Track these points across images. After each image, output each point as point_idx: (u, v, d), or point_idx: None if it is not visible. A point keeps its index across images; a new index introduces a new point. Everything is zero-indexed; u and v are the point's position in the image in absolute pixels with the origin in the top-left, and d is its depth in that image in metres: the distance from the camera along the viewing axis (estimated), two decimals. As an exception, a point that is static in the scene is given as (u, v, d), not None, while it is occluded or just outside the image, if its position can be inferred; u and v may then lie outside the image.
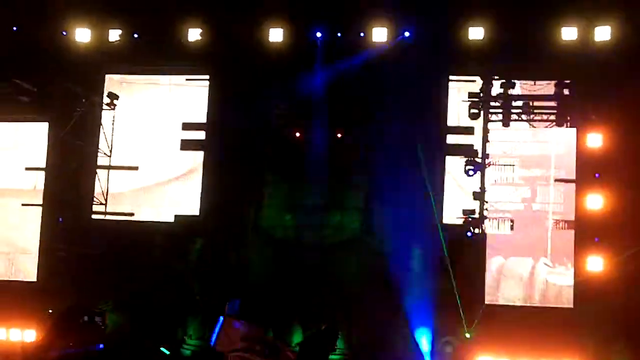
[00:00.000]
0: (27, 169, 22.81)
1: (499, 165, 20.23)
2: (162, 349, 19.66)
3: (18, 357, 18.46)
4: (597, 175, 19.14)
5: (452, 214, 20.11)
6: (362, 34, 20.95)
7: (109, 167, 22.37)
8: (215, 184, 21.62)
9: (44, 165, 22.56)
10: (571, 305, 19.35)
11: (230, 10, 21.28)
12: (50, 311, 20.66)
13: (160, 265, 21.20)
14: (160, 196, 22.35)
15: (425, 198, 20.05)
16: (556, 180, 20.08)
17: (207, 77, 22.15)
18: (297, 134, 21.14)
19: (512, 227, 19.94)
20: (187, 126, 22.17)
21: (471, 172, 19.76)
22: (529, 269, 19.96)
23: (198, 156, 22.13)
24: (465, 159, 19.90)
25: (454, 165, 20.53)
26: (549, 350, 18.36)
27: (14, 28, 22.16)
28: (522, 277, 20.03)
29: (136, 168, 22.39)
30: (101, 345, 19.81)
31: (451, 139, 20.69)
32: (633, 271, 18.60)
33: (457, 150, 20.34)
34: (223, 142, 21.68)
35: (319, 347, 16.79)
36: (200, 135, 22.03)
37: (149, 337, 20.31)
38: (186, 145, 22.16)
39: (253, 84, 21.34)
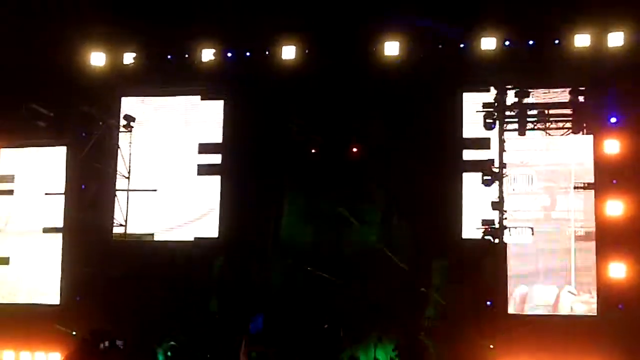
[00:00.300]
0: (46, 194, 22.88)
1: (516, 174, 20.08)
2: None
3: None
4: (614, 181, 19.01)
5: (472, 225, 19.92)
6: (374, 49, 20.88)
7: (127, 190, 22.40)
8: (234, 203, 21.70)
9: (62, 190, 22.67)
10: (595, 313, 19.14)
11: (243, 29, 21.31)
12: (74, 333, 20.74)
13: (182, 285, 21.14)
14: (179, 218, 22.29)
15: (443, 211, 20.03)
16: (575, 187, 19.95)
17: (223, 96, 22.19)
18: (314, 150, 21.10)
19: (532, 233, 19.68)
20: (203, 148, 22.24)
21: (488, 182, 19.61)
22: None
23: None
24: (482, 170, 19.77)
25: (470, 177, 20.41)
26: (572, 358, 18.20)
27: (30, 53, 22.25)
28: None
29: (155, 190, 22.42)
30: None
31: (468, 154, 20.66)
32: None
33: (475, 165, 20.17)
34: (240, 161, 21.72)
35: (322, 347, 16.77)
36: (217, 158, 22.08)
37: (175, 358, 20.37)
38: (203, 170, 22.20)
39: (269, 100, 21.44)
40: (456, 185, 20.60)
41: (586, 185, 19.88)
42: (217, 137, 22.22)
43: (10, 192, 23.33)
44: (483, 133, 20.27)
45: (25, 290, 22.83)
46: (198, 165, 22.23)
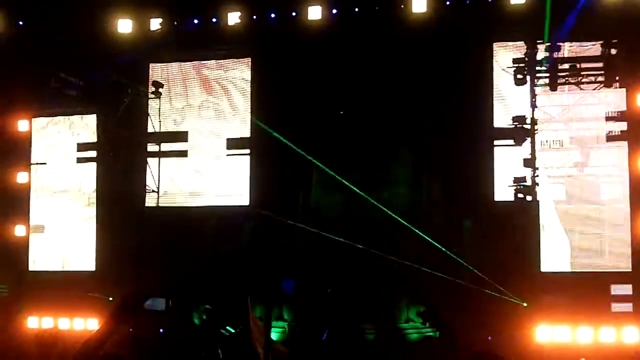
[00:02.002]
0: (79, 160, 23.02)
1: (548, 130, 19.81)
2: (222, 330, 19.78)
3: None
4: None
5: (504, 187, 19.71)
6: (402, 6, 20.61)
7: (159, 154, 22.41)
8: (264, 171, 21.77)
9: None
10: (629, 269, 18.93)
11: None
12: (110, 299, 20.95)
13: (214, 250, 21.25)
14: (210, 185, 22.35)
15: (475, 171, 19.86)
16: (608, 139, 19.57)
17: (249, 59, 22.08)
18: (342, 112, 20.94)
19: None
20: (231, 143, 22.30)
21: (520, 140, 19.38)
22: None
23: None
24: (513, 125, 19.50)
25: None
26: (609, 317, 18.05)
27: (58, 23, 22.31)
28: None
29: (185, 154, 22.43)
30: (161, 330, 20.01)
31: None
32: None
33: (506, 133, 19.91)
34: (268, 125, 21.66)
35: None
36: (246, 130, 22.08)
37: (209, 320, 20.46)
38: (231, 144, 22.23)
39: (294, 64, 21.25)
40: (488, 146, 20.33)
41: (619, 132, 19.39)
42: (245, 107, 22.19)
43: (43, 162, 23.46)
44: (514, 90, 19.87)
45: (61, 257, 23.01)
46: (227, 139, 22.25)
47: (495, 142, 20.30)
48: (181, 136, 22.62)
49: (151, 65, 22.78)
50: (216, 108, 22.49)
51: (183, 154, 22.63)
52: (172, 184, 22.58)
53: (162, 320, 20.11)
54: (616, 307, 18.47)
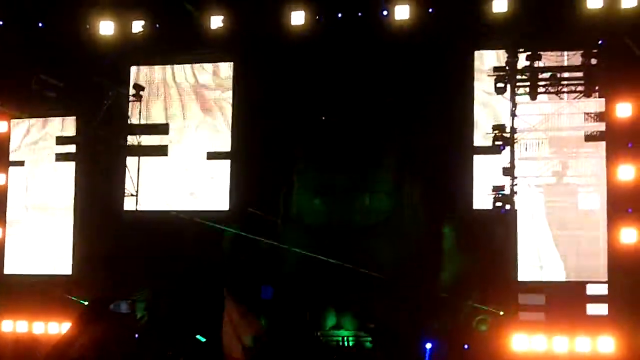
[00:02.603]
0: (57, 156, 22.88)
1: (527, 139, 19.81)
2: (198, 337, 19.68)
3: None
4: (630, 144, 18.64)
5: (483, 194, 19.68)
6: (385, 12, 20.57)
7: (139, 149, 22.25)
8: (244, 175, 21.61)
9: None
10: (605, 279, 18.89)
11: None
12: (86, 303, 20.78)
13: (193, 256, 21.09)
14: (189, 190, 22.28)
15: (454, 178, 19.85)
16: (587, 139, 19.47)
17: (231, 63, 22.03)
18: (323, 117, 20.90)
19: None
20: (211, 155, 22.17)
21: (499, 149, 19.36)
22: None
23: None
24: (494, 133, 19.50)
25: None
26: (584, 325, 17.98)
27: (39, 24, 22.20)
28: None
29: (165, 151, 22.29)
30: (137, 335, 19.90)
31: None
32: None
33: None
34: (249, 136, 21.58)
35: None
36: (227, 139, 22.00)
37: (184, 326, 20.35)
38: (212, 155, 22.10)
39: (277, 68, 21.18)
40: (468, 154, 20.32)
41: (597, 133, 19.41)
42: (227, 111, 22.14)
43: (21, 163, 23.30)
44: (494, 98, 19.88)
45: (38, 261, 22.86)
46: (207, 152, 22.13)
47: (475, 150, 20.15)
48: (162, 129, 22.43)
49: (132, 67, 22.60)
50: (198, 112, 22.31)
51: (163, 151, 22.43)
52: (151, 188, 22.35)
53: (129, 323, 19.83)
54: (591, 308, 18.29)
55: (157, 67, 22.75)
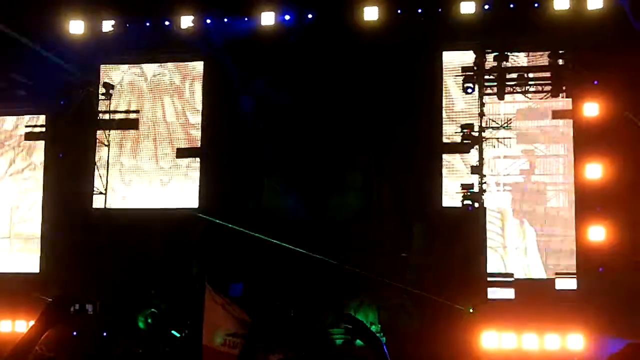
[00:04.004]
0: (27, 136, 21.60)
1: (495, 138, 18.86)
2: (172, 332, 18.52)
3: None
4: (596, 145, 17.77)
5: (451, 190, 18.72)
6: (354, 13, 19.61)
7: (108, 145, 21.01)
8: (214, 173, 20.58)
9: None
10: (574, 277, 17.95)
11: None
12: (50, 301, 19.36)
13: (162, 253, 19.86)
14: (159, 184, 21.00)
15: (423, 176, 18.84)
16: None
17: (201, 62, 20.89)
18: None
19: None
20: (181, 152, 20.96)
21: (467, 147, 18.38)
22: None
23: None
24: (462, 132, 18.54)
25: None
26: (554, 323, 16.99)
27: (9, 22, 20.86)
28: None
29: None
30: (104, 333, 18.72)
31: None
32: (637, 238, 17.21)
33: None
34: (220, 129, 20.44)
35: (270, 325, 15.46)
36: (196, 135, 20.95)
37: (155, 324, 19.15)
38: (181, 152, 20.97)
39: (246, 69, 20.11)
40: (436, 153, 19.36)
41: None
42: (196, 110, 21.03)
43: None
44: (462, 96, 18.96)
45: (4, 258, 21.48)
46: (177, 149, 21.01)
47: (444, 149, 19.18)
48: (132, 123, 21.20)
49: (102, 66, 21.42)
50: (167, 111, 21.12)
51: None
52: (120, 186, 21.08)
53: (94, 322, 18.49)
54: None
55: (126, 66, 21.40)
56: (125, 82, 21.49)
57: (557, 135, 18.91)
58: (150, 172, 21.15)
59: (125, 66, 21.50)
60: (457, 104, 19.45)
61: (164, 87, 21.36)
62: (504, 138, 18.93)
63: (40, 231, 21.26)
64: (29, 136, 21.71)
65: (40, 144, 21.52)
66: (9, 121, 21.98)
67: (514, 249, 18.67)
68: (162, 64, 21.38)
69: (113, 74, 21.50)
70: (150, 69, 21.46)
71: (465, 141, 18.57)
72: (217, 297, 13.56)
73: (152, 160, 21.15)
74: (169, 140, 21.14)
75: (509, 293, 17.96)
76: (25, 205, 21.58)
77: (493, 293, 18.05)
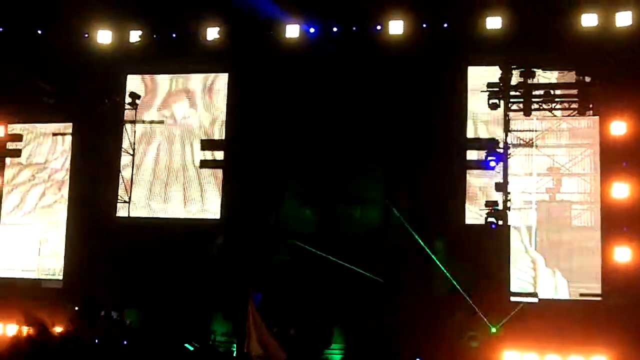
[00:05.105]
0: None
1: (521, 155, 17.91)
2: (186, 345, 17.74)
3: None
4: (625, 163, 16.77)
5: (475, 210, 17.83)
6: (379, 27, 18.73)
7: (133, 154, 20.37)
8: (236, 185, 19.84)
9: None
10: (599, 298, 16.93)
11: (246, 8, 19.19)
12: (76, 308, 18.74)
13: (183, 262, 19.10)
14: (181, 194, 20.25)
15: (445, 190, 17.92)
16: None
17: (226, 74, 20.16)
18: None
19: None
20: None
21: (493, 163, 17.42)
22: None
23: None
24: (486, 150, 17.61)
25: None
26: (577, 344, 16.02)
27: (38, 31, 20.31)
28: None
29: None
30: (125, 342, 17.99)
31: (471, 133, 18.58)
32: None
33: (478, 143, 18.07)
34: (243, 141, 19.69)
35: (312, 342, 14.74)
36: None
37: (173, 333, 18.37)
38: (205, 164, 20.26)
39: (271, 80, 19.43)
40: (460, 169, 18.52)
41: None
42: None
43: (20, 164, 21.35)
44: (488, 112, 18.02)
45: (31, 265, 20.85)
46: (200, 160, 20.28)
47: (468, 165, 18.24)
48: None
49: (129, 76, 20.75)
50: (192, 121, 20.35)
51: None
52: (144, 195, 20.33)
53: (119, 329, 18.08)
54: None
55: (153, 76, 20.75)
56: (151, 92, 20.72)
57: (583, 153, 17.88)
58: (173, 182, 20.35)
59: (152, 76, 20.77)
60: (483, 119, 18.44)
61: (190, 97, 20.58)
62: (529, 155, 17.94)
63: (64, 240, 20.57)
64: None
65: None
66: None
67: (537, 268, 17.68)
68: (188, 74, 20.59)
69: (139, 83, 20.76)
70: (176, 79, 20.69)
71: (490, 158, 17.54)
72: (256, 315, 12.96)
73: (176, 170, 20.39)
74: (192, 151, 20.34)
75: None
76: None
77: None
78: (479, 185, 18.32)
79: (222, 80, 20.38)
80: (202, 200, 20.08)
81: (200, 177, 20.16)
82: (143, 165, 20.56)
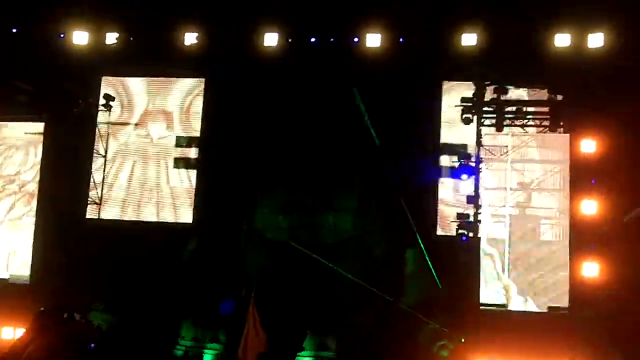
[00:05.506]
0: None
1: (492, 169, 18.08)
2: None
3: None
4: (593, 181, 17.03)
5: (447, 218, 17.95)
6: (356, 39, 18.77)
7: (105, 156, 20.08)
8: (209, 190, 19.71)
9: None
10: (566, 311, 17.14)
11: (226, 14, 19.09)
12: (42, 309, 18.35)
13: (154, 266, 18.84)
14: (153, 197, 20.04)
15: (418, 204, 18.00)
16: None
17: (202, 79, 20.07)
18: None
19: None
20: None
21: (465, 177, 17.55)
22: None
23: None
24: (459, 162, 17.72)
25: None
26: (544, 354, 16.19)
27: (13, 30, 20.02)
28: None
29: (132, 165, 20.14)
30: (92, 345, 17.65)
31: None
32: (629, 275, 16.45)
33: (451, 149, 18.22)
34: (218, 147, 19.59)
35: (286, 345, 14.69)
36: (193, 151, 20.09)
37: (142, 337, 18.10)
38: (179, 163, 20.08)
39: (248, 87, 19.37)
40: (433, 181, 18.71)
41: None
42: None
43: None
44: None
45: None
46: (174, 158, 20.12)
47: (441, 178, 18.37)
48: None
49: (104, 78, 20.51)
50: (166, 125, 20.17)
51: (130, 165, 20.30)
52: (115, 198, 20.05)
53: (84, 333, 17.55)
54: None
55: (128, 79, 20.55)
56: (126, 94, 20.53)
57: (553, 169, 18.12)
58: (145, 185, 20.12)
59: (127, 78, 20.57)
60: (456, 134, 18.59)
61: (164, 101, 20.41)
62: (500, 170, 18.12)
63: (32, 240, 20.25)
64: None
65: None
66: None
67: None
68: (164, 78, 20.41)
69: (114, 85, 20.54)
70: (151, 82, 20.50)
71: (462, 176, 17.72)
72: (257, 315, 12.79)
73: (148, 173, 20.17)
74: (166, 153, 20.14)
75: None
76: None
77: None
78: (451, 199, 18.44)
79: (198, 85, 20.23)
80: (174, 204, 19.90)
81: (174, 196, 19.99)
82: (115, 166, 20.31)
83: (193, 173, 19.97)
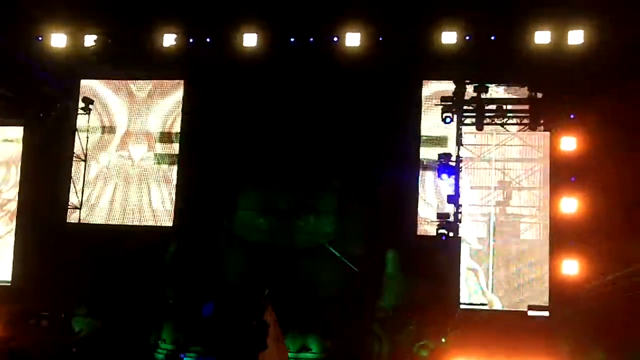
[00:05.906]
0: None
1: (473, 168, 17.89)
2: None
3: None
4: (572, 179, 16.85)
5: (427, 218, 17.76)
6: (335, 39, 18.55)
7: (85, 160, 19.81)
8: (190, 193, 19.50)
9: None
10: (546, 310, 17.00)
11: (205, 15, 18.86)
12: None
13: (135, 270, 18.61)
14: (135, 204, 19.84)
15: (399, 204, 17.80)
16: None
17: (182, 81, 19.87)
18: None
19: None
20: (163, 137, 19.91)
21: (445, 176, 17.34)
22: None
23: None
24: (440, 162, 17.53)
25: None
26: (524, 353, 16.00)
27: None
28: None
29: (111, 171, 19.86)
30: (74, 349, 17.51)
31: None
32: (609, 273, 16.31)
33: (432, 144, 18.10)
34: (197, 149, 19.37)
35: (248, 343, 14.43)
36: (175, 148, 19.84)
37: (123, 340, 17.87)
38: (161, 159, 19.89)
39: (227, 88, 19.17)
40: (413, 180, 18.51)
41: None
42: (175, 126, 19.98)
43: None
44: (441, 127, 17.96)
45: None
46: (155, 154, 19.94)
47: (421, 178, 18.22)
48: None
49: (82, 81, 20.27)
50: (145, 128, 19.94)
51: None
52: (95, 202, 19.85)
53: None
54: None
55: (106, 82, 20.32)
56: (105, 97, 20.25)
57: (533, 168, 17.94)
58: (125, 187, 19.88)
59: (106, 81, 20.36)
60: (436, 133, 18.42)
61: (144, 103, 20.19)
62: (480, 169, 17.94)
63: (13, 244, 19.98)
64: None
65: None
66: None
67: (489, 279, 17.66)
68: (143, 81, 20.21)
69: (92, 88, 20.29)
70: (130, 85, 20.28)
71: (442, 175, 17.53)
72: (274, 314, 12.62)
73: (129, 176, 19.92)
74: (147, 156, 19.93)
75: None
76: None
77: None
78: (432, 199, 18.27)
79: (177, 87, 20.02)
80: (155, 206, 19.70)
81: (154, 183, 19.75)
82: (95, 170, 20.13)
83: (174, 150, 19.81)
